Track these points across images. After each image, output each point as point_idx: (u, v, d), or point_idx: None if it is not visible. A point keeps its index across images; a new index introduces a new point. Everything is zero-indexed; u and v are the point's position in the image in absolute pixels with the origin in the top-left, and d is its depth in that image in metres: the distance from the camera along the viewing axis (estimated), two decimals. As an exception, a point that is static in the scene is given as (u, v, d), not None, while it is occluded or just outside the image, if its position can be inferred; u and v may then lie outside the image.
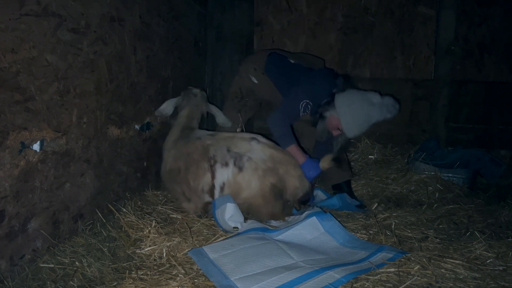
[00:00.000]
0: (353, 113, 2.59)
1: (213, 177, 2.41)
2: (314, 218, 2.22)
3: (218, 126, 3.12)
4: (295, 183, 2.43)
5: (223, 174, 2.39)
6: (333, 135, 2.79)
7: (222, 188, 2.40)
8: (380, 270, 1.79)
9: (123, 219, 2.24)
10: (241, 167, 2.37)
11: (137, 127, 2.72)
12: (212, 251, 1.92)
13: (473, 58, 4.12)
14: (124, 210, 2.39)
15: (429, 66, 4.17)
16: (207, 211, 2.48)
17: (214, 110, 2.99)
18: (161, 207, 2.54)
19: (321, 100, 2.73)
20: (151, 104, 2.88)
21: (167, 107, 2.85)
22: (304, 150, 2.73)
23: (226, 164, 2.39)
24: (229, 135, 2.54)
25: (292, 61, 3.02)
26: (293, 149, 2.62)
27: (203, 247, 1.97)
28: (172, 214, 2.44)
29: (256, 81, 3.06)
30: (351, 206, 2.74)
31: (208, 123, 3.46)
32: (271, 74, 3.00)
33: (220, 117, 3.01)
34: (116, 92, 2.44)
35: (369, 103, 2.58)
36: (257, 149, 2.42)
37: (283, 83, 2.94)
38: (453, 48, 4.02)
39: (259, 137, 2.50)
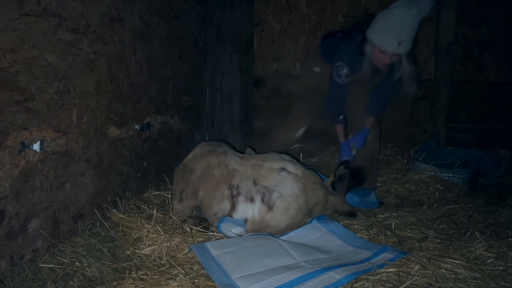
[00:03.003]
0: (381, 23, 2.49)
1: (232, 208, 2.21)
2: (315, 222, 2.23)
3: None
4: (320, 210, 2.35)
5: (247, 210, 2.18)
6: (384, 69, 2.61)
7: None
8: (380, 270, 1.79)
9: (122, 219, 2.24)
10: (271, 205, 2.16)
11: (137, 127, 2.72)
12: (214, 248, 1.93)
13: (473, 58, 4.12)
14: (124, 210, 2.39)
15: (429, 66, 4.17)
16: (191, 217, 2.38)
17: None
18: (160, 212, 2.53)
19: (350, 55, 2.64)
20: (151, 104, 2.88)
21: None
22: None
23: (252, 200, 2.18)
24: (258, 162, 2.30)
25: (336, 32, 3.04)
26: (336, 129, 2.87)
27: (205, 243, 1.98)
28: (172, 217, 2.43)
29: (318, 69, 3.02)
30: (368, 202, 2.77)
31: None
32: (322, 52, 3.01)
33: None
34: (116, 92, 2.44)
35: (389, 9, 2.48)
36: (288, 181, 2.22)
37: (327, 54, 2.92)
38: (453, 48, 4.01)
39: (289, 165, 2.29)
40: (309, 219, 2.30)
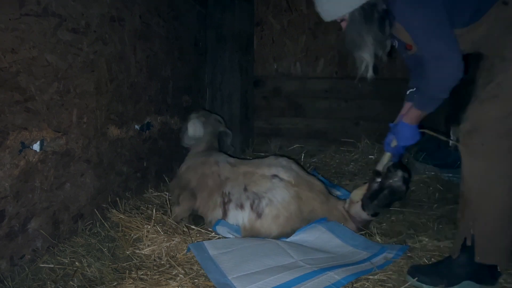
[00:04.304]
0: None
1: (224, 216, 2.22)
2: (313, 223, 2.22)
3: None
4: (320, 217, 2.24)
5: (237, 218, 2.17)
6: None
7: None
8: (380, 270, 1.79)
9: (122, 219, 2.25)
10: (260, 213, 2.12)
11: (137, 127, 2.72)
12: (212, 248, 1.93)
13: (473, 58, 4.11)
14: (124, 210, 2.40)
15: (429, 66, 4.16)
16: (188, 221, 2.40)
17: (229, 134, 3.00)
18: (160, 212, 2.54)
19: None
20: (151, 104, 2.88)
21: (196, 129, 2.76)
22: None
23: (242, 207, 2.16)
24: (250, 169, 2.28)
25: None
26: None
27: (204, 242, 1.98)
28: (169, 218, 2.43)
29: None
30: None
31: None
32: None
33: (228, 143, 3.01)
34: (116, 92, 2.44)
35: None
36: (279, 188, 2.16)
37: None
38: (453, 48, 4.00)
39: (282, 172, 2.22)
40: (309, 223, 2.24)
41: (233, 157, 2.66)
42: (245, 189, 2.20)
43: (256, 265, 1.80)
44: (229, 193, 2.23)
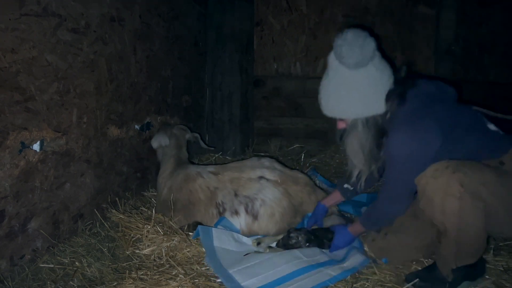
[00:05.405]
0: None
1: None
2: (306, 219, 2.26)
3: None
4: (310, 209, 2.28)
5: (235, 224, 2.20)
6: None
7: None
8: (379, 270, 1.79)
9: (122, 219, 2.24)
10: (256, 214, 2.18)
11: (137, 127, 2.72)
12: (217, 238, 1.99)
13: (473, 58, 4.11)
14: (124, 210, 2.40)
15: (429, 66, 4.16)
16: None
17: (197, 137, 2.87)
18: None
19: None
20: (151, 104, 2.88)
21: (160, 139, 2.65)
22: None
23: (236, 213, 2.20)
24: (236, 174, 2.32)
25: None
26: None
27: (212, 229, 2.03)
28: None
29: None
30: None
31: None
32: None
33: (203, 144, 2.90)
34: (116, 92, 2.44)
35: None
36: (268, 187, 2.22)
37: None
38: (453, 48, 4.01)
39: (267, 173, 2.29)
40: (302, 218, 2.27)
41: (206, 164, 2.68)
42: (236, 195, 2.23)
43: (255, 257, 1.86)
44: (222, 202, 2.25)
